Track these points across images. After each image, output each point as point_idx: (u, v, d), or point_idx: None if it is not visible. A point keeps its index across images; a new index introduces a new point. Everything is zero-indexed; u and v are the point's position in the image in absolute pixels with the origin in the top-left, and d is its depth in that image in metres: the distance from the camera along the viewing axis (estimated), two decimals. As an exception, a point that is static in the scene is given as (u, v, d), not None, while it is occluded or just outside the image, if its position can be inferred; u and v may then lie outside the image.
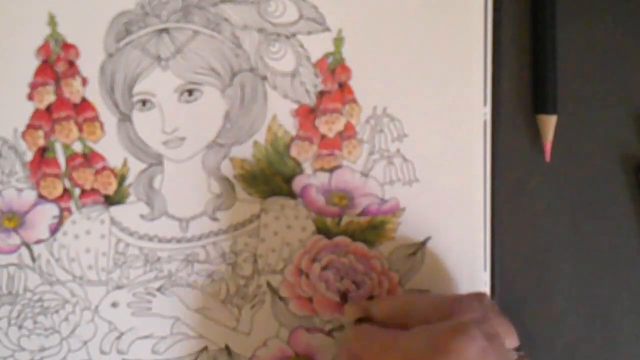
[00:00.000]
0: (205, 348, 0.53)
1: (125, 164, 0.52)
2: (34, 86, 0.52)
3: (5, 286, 0.52)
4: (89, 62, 0.52)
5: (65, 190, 0.52)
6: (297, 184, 0.52)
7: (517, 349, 0.47)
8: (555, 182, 0.53)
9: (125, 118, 0.52)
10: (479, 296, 0.48)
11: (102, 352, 0.53)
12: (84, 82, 0.52)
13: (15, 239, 0.52)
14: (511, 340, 0.47)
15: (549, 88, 0.52)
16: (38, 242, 0.53)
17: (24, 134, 0.52)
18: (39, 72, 0.52)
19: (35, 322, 0.53)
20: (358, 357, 0.46)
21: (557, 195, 0.53)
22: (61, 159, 0.52)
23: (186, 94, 0.51)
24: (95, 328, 0.53)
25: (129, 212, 0.52)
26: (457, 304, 0.46)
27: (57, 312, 0.53)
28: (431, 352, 0.42)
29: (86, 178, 0.52)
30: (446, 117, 0.51)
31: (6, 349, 0.53)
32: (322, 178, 0.52)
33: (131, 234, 0.52)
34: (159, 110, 0.52)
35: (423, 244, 0.52)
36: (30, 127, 0.52)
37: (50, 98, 0.52)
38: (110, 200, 0.52)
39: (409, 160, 0.51)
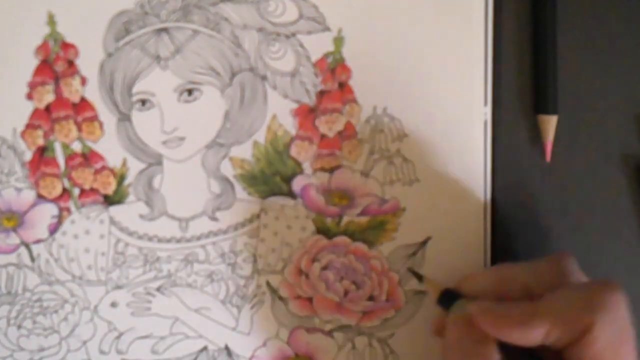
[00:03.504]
0: (205, 348, 0.53)
1: (124, 163, 0.52)
2: (33, 86, 0.52)
3: (4, 286, 0.52)
4: (89, 62, 0.52)
5: (65, 190, 0.52)
6: (297, 183, 0.52)
7: None
8: (556, 182, 0.53)
9: (124, 118, 0.52)
10: (560, 258, 0.46)
11: (102, 352, 0.53)
12: (83, 81, 0.52)
13: (14, 239, 0.52)
14: None
15: (550, 88, 0.52)
16: (37, 241, 0.52)
17: (23, 134, 0.52)
18: (38, 71, 0.52)
19: (34, 322, 0.53)
20: (487, 332, 0.43)
21: (557, 195, 0.53)
22: (60, 158, 0.52)
23: (186, 94, 0.51)
24: (95, 328, 0.53)
25: (129, 212, 0.52)
26: (555, 268, 0.45)
27: (56, 312, 0.53)
28: (589, 309, 0.41)
29: (85, 178, 0.52)
30: (446, 117, 0.51)
31: (5, 349, 0.53)
32: (322, 178, 0.52)
33: (130, 233, 0.52)
34: (159, 110, 0.51)
35: (423, 244, 0.52)
36: (29, 126, 0.52)
37: (49, 97, 0.52)
38: (109, 200, 0.52)
39: (409, 160, 0.51)
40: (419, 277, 0.51)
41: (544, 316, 0.42)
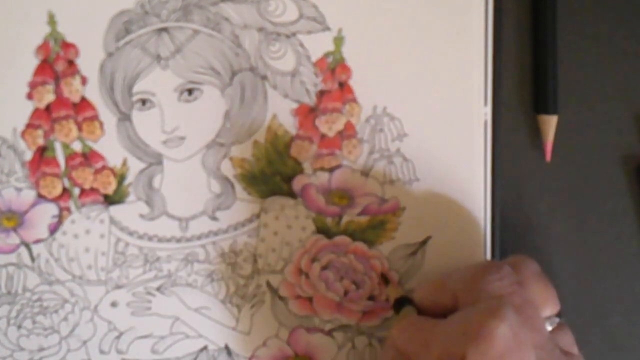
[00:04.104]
0: (205, 348, 0.53)
1: (124, 163, 0.52)
2: (33, 85, 0.52)
3: (4, 286, 0.52)
4: (89, 61, 0.52)
5: (65, 190, 0.52)
6: (297, 183, 0.52)
7: (559, 315, 0.46)
8: (556, 182, 0.53)
9: (124, 117, 0.52)
10: (514, 261, 0.46)
11: (102, 352, 0.53)
12: (84, 81, 0.52)
13: (14, 239, 0.52)
14: (550, 307, 0.46)
15: (550, 88, 0.52)
16: (37, 241, 0.52)
17: (23, 133, 0.52)
18: (39, 71, 0.52)
19: (34, 322, 0.53)
20: (402, 352, 0.45)
21: (557, 195, 0.53)
22: (60, 158, 0.52)
23: (186, 93, 0.51)
24: (95, 328, 0.53)
25: (129, 212, 0.52)
26: (480, 275, 0.44)
27: (56, 311, 0.53)
28: (464, 340, 0.40)
29: (85, 177, 0.52)
30: (446, 116, 0.51)
31: (5, 349, 0.53)
32: (322, 177, 0.52)
33: (130, 233, 0.52)
34: (159, 110, 0.51)
35: (423, 243, 0.52)
36: (29, 126, 0.52)
37: (49, 97, 0.52)
38: (109, 200, 0.52)
39: (409, 159, 0.51)
40: (386, 282, 0.51)
41: (435, 344, 0.42)
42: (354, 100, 0.51)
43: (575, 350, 0.46)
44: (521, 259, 0.47)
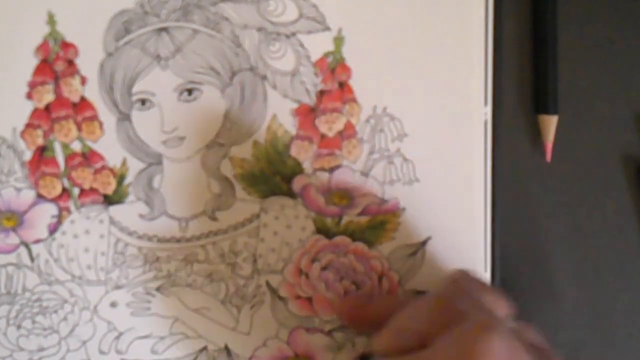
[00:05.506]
0: (205, 348, 0.53)
1: (124, 163, 0.52)
2: (32, 85, 0.52)
3: (3, 286, 0.52)
4: (88, 61, 0.52)
5: (64, 190, 0.52)
6: (297, 183, 0.52)
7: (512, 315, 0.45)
8: (556, 182, 0.53)
9: (124, 117, 0.52)
10: (455, 278, 0.45)
11: (101, 352, 0.53)
12: (83, 81, 0.52)
13: (13, 239, 0.52)
14: (505, 309, 0.45)
15: (550, 88, 0.52)
16: (37, 241, 0.52)
17: (22, 133, 0.52)
18: (38, 71, 0.52)
19: (33, 322, 0.52)
20: None
21: (557, 195, 0.53)
22: (60, 158, 0.52)
23: (186, 93, 0.51)
24: (94, 328, 0.53)
25: (128, 212, 0.52)
26: (445, 303, 0.43)
27: (55, 312, 0.52)
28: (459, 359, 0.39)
29: (85, 177, 0.52)
30: (446, 117, 0.51)
31: (5, 349, 0.53)
32: (322, 178, 0.52)
33: (130, 233, 0.52)
34: (159, 110, 0.51)
35: (423, 244, 0.52)
36: (29, 126, 0.52)
37: (49, 97, 0.52)
38: (109, 200, 0.52)
39: (409, 159, 0.51)
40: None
41: None
42: (354, 100, 0.51)
43: (546, 345, 0.45)
44: (460, 274, 0.46)
